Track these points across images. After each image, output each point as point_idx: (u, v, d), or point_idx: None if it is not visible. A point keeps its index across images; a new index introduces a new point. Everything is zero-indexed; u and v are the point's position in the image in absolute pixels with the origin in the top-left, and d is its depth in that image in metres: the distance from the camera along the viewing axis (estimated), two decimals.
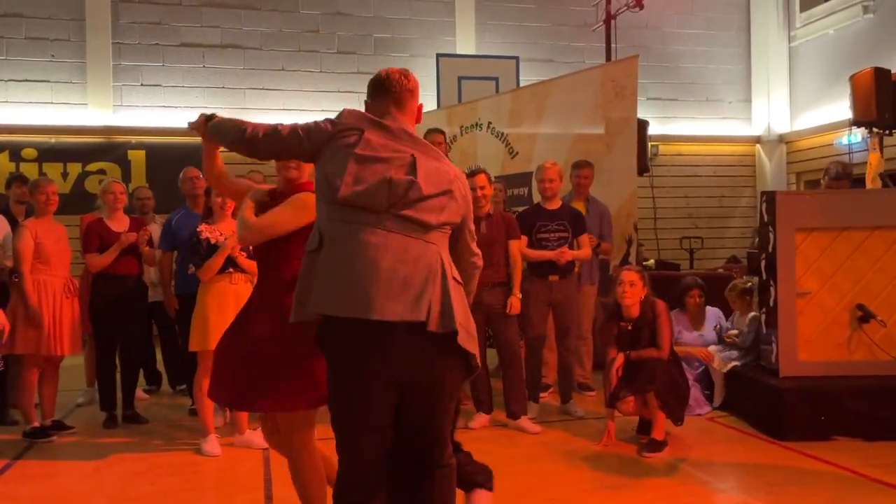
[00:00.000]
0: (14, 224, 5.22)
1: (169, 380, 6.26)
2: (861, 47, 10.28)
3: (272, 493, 3.67)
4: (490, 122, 7.29)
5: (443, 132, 6.12)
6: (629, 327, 4.38)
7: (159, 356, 6.16)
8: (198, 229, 4.48)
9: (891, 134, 6.76)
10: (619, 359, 4.34)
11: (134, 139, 9.82)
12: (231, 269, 4.45)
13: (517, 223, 4.99)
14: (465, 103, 7.99)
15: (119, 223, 5.18)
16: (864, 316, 4.56)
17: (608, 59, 8.36)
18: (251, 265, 4.49)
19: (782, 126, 11.93)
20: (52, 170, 9.31)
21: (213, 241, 4.42)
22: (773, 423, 4.47)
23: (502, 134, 7.17)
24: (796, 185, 11.67)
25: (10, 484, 3.92)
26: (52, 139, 9.52)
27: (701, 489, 3.68)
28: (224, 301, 4.40)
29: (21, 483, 3.91)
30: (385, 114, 2.51)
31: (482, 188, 4.73)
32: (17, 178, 5.72)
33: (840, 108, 10.45)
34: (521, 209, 5.84)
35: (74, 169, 9.49)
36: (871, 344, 4.56)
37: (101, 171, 9.61)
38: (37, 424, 4.78)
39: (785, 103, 11.88)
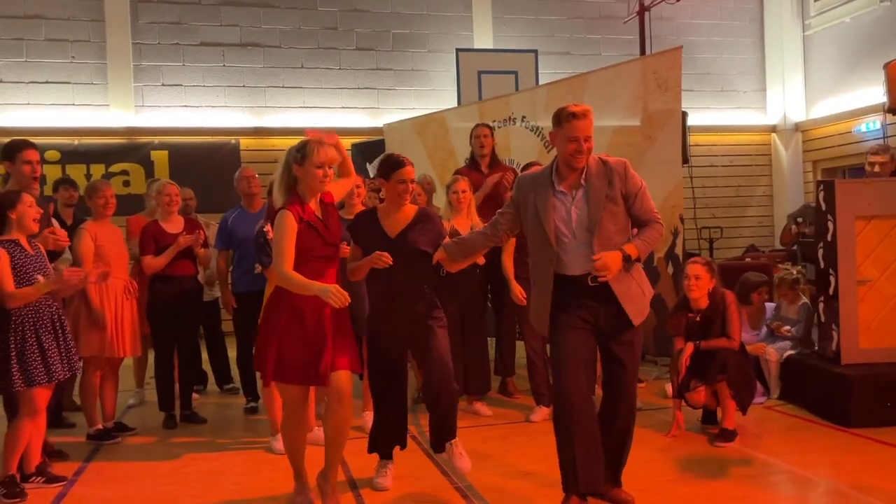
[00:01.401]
0: (64, 227, 5.20)
1: (216, 380, 6.27)
2: (878, 35, 10.34)
3: (359, 491, 3.69)
4: (524, 116, 7.29)
5: (489, 126, 6.13)
6: (698, 318, 4.41)
7: (205, 356, 6.16)
8: (264, 229, 4.45)
9: None
10: (689, 349, 4.37)
11: (157, 139, 9.80)
12: None
13: None
14: (497, 98, 7.97)
15: (174, 225, 5.17)
16: None
17: (642, 51, 8.37)
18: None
19: (798, 115, 11.98)
20: (76, 171, 9.26)
21: None
22: (838, 411, 4.52)
23: (537, 128, 7.18)
24: (813, 174, 11.74)
25: (89, 486, 3.93)
26: (75, 141, 9.48)
27: (782, 476, 3.72)
28: None
29: (100, 485, 3.92)
30: None
31: None
32: (64, 182, 5.70)
33: (856, 95, 10.55)
34: None
35: (98, 170, 9.46)
36: None
37: (125, 172, 9.60)
38: (100, 427, 4.79)
39: (800, 92, 11.94)
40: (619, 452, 3.28)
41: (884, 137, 8.56)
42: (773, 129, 12.23)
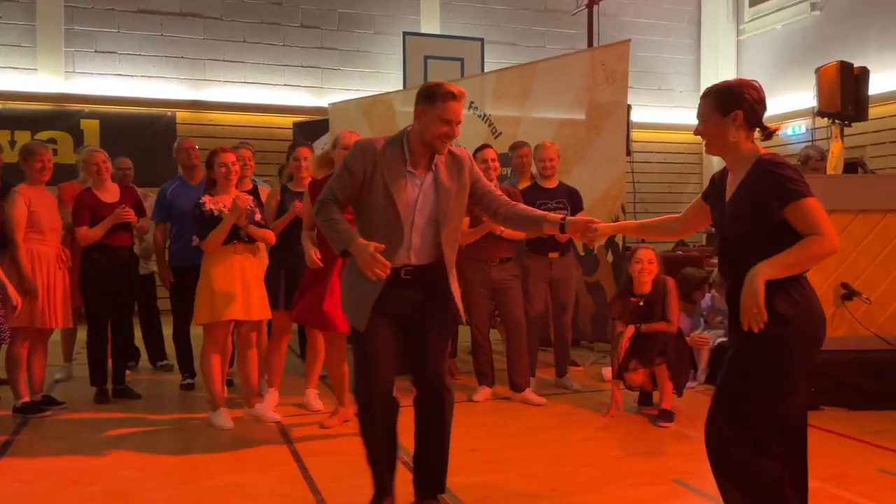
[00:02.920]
0: None
1: (149, 356, 6.09)
2: (806, 43, 10.82)
3: (304, 463, 3.66)
4: (472, 103, 7.32)
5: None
6: (640, 303, 4.55)
7: (138, 332, 5.97)
8: (201, 201, 4.36)
9: (850, 125, 7.17)
10: (629, 331, 4.50)
11: (87, 108, 9.41)
12: (235, 241, 4.36)
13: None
14: (445, 82, 7.99)
15: (109, 194, 4.99)
16: (847, 294, 4.87)
17: (590, 44, 8.51)
18: (263, 233, 4.44)
19: None
20: (0, 137, 8.81)
21: (216, 213, 4.32)
22: None
23: (485, 115, 7.23)
24: None
25: (22, 457, 3.76)
26: (0, 105, 9.01)
27: None
28: (230, 271, 4.33)
29: (34, 457, 3.76)
30: None
31: (493, 160, 4.90)
32: None
33: (785, 100, 11.01)
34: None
35: (24, 137, 9.01)
36: (853, 320, 4.87)
37: (53, 140, 9.17)
38: (27, 400, 4.59)
39: None
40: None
41: (812, 140, 8.98)
42: None
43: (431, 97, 2.79)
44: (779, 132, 10.63)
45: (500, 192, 3.11)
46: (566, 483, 3.22)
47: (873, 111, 9.15)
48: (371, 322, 2.80)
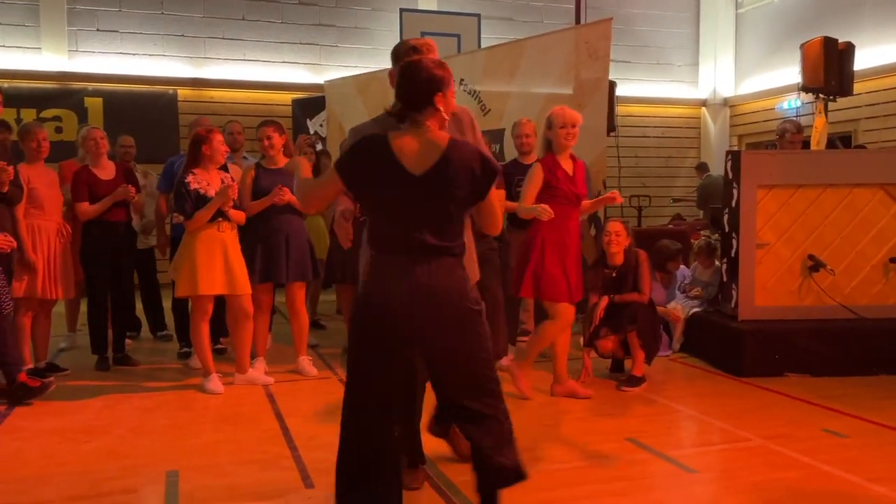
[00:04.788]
0: None
1: (150, 326, 6.36)
2: (803, 17, 10.83)
3: (286, 423, 3.91)
4: (462, 79, 7.47)
5: None
6: (613, 274, 4.75)
7: (139, 304, 6.24)
8: (185, 180, 4.58)
9: (835, 100, 7.27)
10: (604, 301, 4.71)
11: (91, 86, 9.62)
12: (220, 219, 4.58)
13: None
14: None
15: (106, 171, 5.21)
16: (814, 265, 5.05)
17: (577, 20, 8.61)
18: (239, 215, 4.66)
19: (727, 90, 12.49)
20: (6, 115, 8.96)
21: (202, 192, 4.54)
22: (732, 362, 4.94)
23: (475, 91, 7.38)
24: (738, 147, 12.29)
25: (24, 418, 4.04)
26: (5, 84, 9.22)
27: (677, 416, 4.11)
28: (212, 248, 4.55)
29: (35, 418, 4.03)
30: None
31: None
32: None
33: (782, 74, 11.07)
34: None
35: (29, 115, 9.24)
36: (819, 290, 5.06)
37: (57, 118, 9.42)
38: (31, 366, 4.86)
39: (730, 68, 12.43)
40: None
41: (796, 115, 9.07)
42: (704, 103, 12.72)
43: (396, 56, 2.87)
44: (776, 106, 10.70)
45: None
46: (524, 439, 3.41)
47: (867, 85, 9.27)
48: None
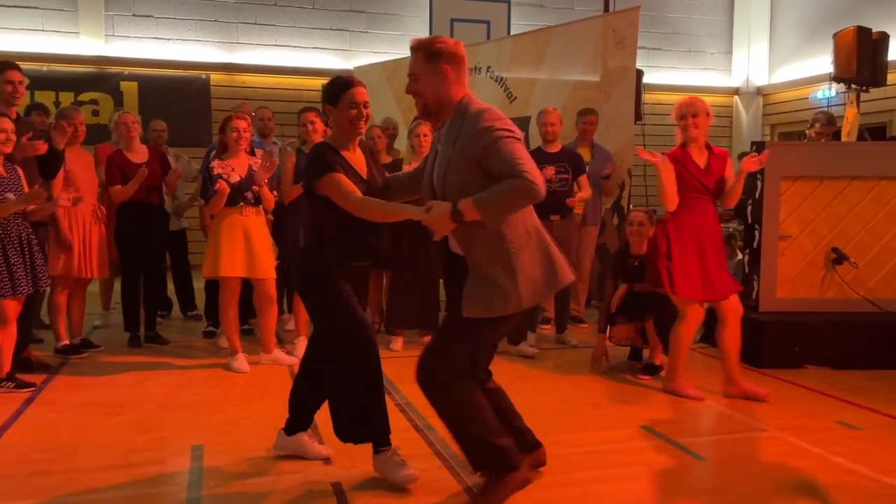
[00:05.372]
0: None
1: (180, 306, 6.54)
2: (841, 4, 10.62)
3: None
4: (489, 67, 7.52)
5: None
6: (635, 263, 4.79)
7: (171, 284, 6.42)
8: (210, 165, 4.71)
9: (867, 90, 7.16)
10: (622, 290, 4.75)
11: (126, 70, 9.81)
12: (242, 203, 4.70)
13: None
14: (466, 46, 8.17)
15: (138, 154, 5.37)
16: (837, 258, 5.03)
17: (606, 7, 8.57)
18: (267, 200, 4.78)
19: (760, 79, 12.31)
20: (45, 98, 9.27)
21: (225, 178, 4.65)
22: (752, 353, 4.93)
23: (501, 78, 7.42)
24: (770, 137, 12.13)
25: (58, 391, 4.23)
26: (44, 67, 9.47)
27: (692, 405, 4.14)
28: (235, 232, 4.68)
29: (68, 392, 4.22)
30: None
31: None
32: (37, 107, 5.84)
33: (816, 63, 10.88)
34: None
35: (67, 98, 9.48)
36: (842, 283, 5.04)
37: (94, 102, 9.63)
38: (67, 342, 5.06)
39: (764, 56, 12.24)
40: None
41: (828, 106, 8.94)
42: (736, 91, 12.55)
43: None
44: (809, 96, 10.50)
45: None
46: (538, 425, 3.49)
47: None
48: None
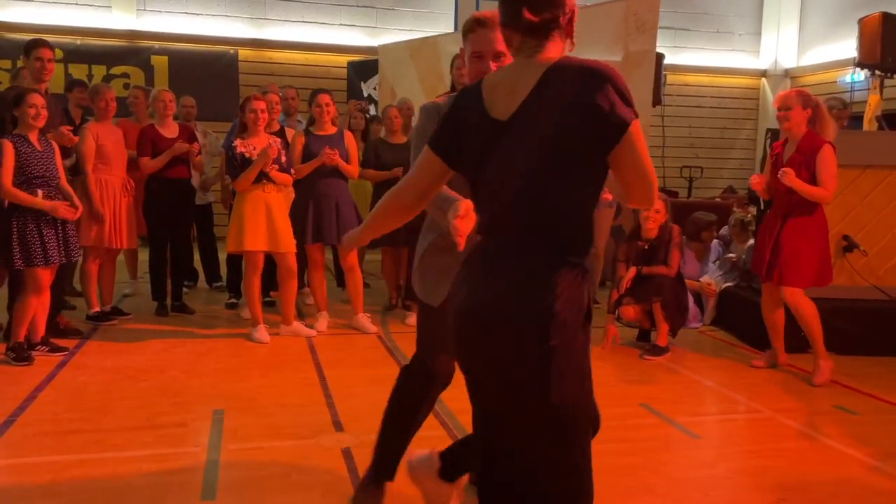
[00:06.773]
0: (73, 126, 5.58)
1: (206, 277, 6.77)
2: None
3: (323, 373, 4.23)
4: None
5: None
6: (646, 247, 4.90)
7: (197, 256, 6.64)
8: (233, 144, 4.88)
9: (892, 76, 7.11)
10: (631, 272, 4.87)
11: (157, 44, 10.03)
12: (265, 180, 4.87)
13: None
14: None
15: (169, 130, 5.56)
16: (848, 246, 5.08)
17: None
18: (284, 178, 4.93)
19: (789, 61, 12.18)
20: (78, 71, 9.55)
21: (247, 156, 4.82)
22: (760, 337, 5.03)
23: None
24: None
25: (89, 356, 4.47)
26: (78, 40, 9.71)
27: (694, 385, 4.27)
28: (258, 208, 4.86)
29: (98, 356, 4.46)
30: None
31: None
32: (78, 83, 6.05)
33: (846, 46, 10.74)
34: None
35: (99, 71, 9.73)
36: (852, 271, 5.09)
37: (125, 75, 9.87)
38: (98, 309, 5.30)
39: (794, 39, 12.10)
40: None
41: (851, 90, 8.88)
42: (764, 73, 12.45)
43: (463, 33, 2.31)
44: (837, 80, 10.41)
45: None
46: None
47: None
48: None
